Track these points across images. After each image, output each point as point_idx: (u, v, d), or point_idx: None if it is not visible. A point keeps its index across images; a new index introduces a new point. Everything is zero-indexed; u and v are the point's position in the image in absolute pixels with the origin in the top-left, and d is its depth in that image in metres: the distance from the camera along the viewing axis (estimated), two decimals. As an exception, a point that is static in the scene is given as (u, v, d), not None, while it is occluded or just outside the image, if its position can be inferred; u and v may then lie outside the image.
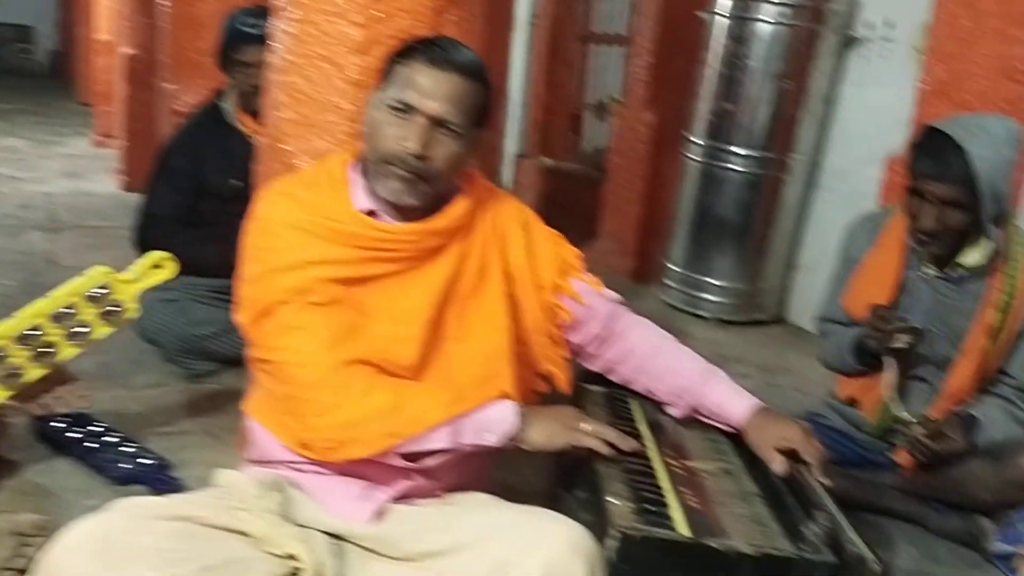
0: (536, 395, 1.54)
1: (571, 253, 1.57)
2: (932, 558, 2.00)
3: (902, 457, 2.08)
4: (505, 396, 1.37)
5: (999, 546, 1.63)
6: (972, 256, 1.98)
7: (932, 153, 1.88)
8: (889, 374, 2.03)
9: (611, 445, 1.35)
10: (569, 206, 4.96)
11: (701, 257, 3.75)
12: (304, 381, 1.30)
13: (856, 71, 3.48)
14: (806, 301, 3.56)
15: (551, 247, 1.55)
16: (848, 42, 3.47)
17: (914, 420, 1.99)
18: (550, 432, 1.34)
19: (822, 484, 1.35)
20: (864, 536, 2.03)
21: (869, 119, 3.40)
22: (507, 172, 5.73)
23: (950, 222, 1.91)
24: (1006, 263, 1.97)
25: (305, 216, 1.35)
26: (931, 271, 2.05)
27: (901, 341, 1.95)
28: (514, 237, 1.50)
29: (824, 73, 3.48)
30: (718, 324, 3.69)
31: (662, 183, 4.08)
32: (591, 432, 1.35)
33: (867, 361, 2.08)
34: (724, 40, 3.55)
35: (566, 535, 1.17)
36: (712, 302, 3.74)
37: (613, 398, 1.65)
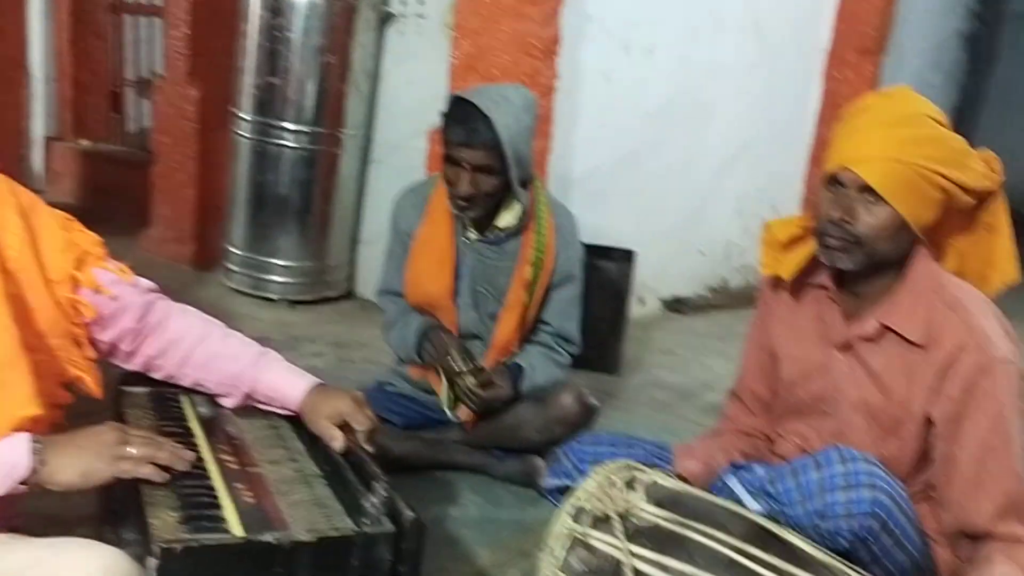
0: (61, 410, 1.33)
1: (88, 239, 1.37)
2: (496, 503, 2.14)
3: (463, 412, 2.19)
4: (19, 424, 1.15)
5: (550, 481, 1.79)
6: (506, 218, 2.14)
7: (462, 122, 1.99)
8: (445, 381, 2.15)
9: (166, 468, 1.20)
10: (116, 192, 4.51)
11: (263, 238, 3.62)
12: None
13: (396, 47, 3.58)
14: (373, 274, 3.61)
15: (61, 234, 1.33)
16: (385, 18, 3.55)
17: (467, 371, 2.10)
18: (85, 466, 1.13)
19: (365, 451, 1.35)
20: (434, 493, 2.12)
21: (411, 93, 3.52)
22: (37, 157, 5.04)
23: (484, 187, 2.03)
24: (535, 222, 2.15)
25: None
26: (474, 235, 2.17)
27: (456, 365, 2.08)
28: (10, 227, 1.27)
29: (365, 48, 3.53)
30: (287, 305, 3.61)
31: (215, 163, 3.87)
32: (139, 457, 1.18)
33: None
34: (260, 11, 3.43)
35: (98, 564, 1.02)
36: (279, 283, 3.64)
37: (159, 398, 1.49)
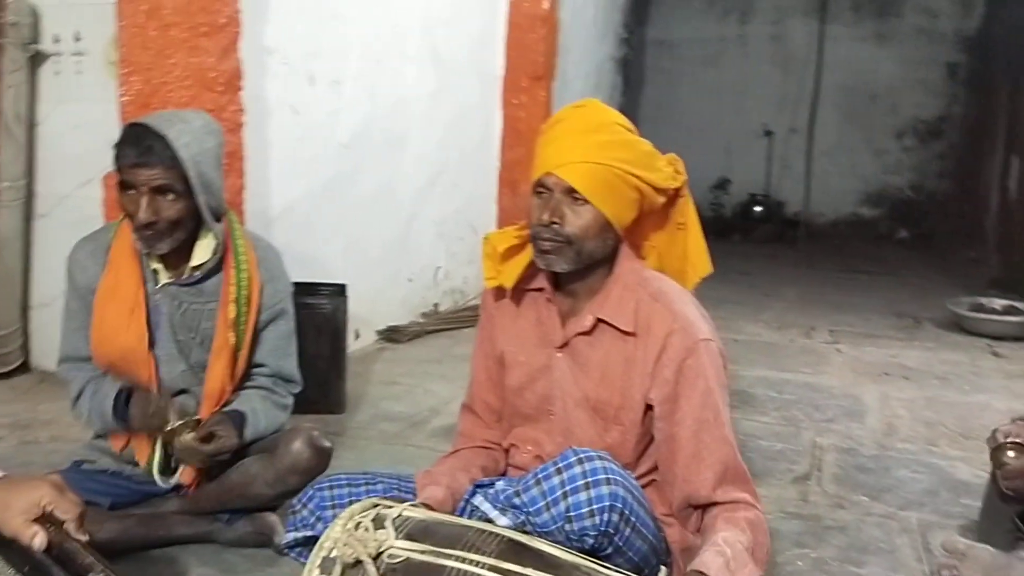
0: None
1: None
2: (230, 571, 1.96)
3: (186, 474, 1.99)
4: None
5: (288, 536, 1.67)
6: (200, 254, 1.98)
7: (134, 143, 1.84)
8: (158, 444, 1.96)
9: None
10: None
11: (-95, 316, 3.08)
12: None
13: (54, 89, 3.22)
14: (52, 341, 3.20)
15: None
16: (37, 58, 3.19)
17: (182, 426, 1.91)
18: None
19: (78, 541, 1.17)
20: (155, 572, 1.90)
21: (78, 138, 3.18)
22: None
23: (166, 212, 1.86)
24: (233, 256, 2.01)
25: None
26: (168, 279, 1.98)
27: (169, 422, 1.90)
28: None
29: (16, 91, 3.14)
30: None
31: None
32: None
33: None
34: None
35: None
36: (-67, 367, 3.11)
37: None
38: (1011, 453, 1.83)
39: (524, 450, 1.78)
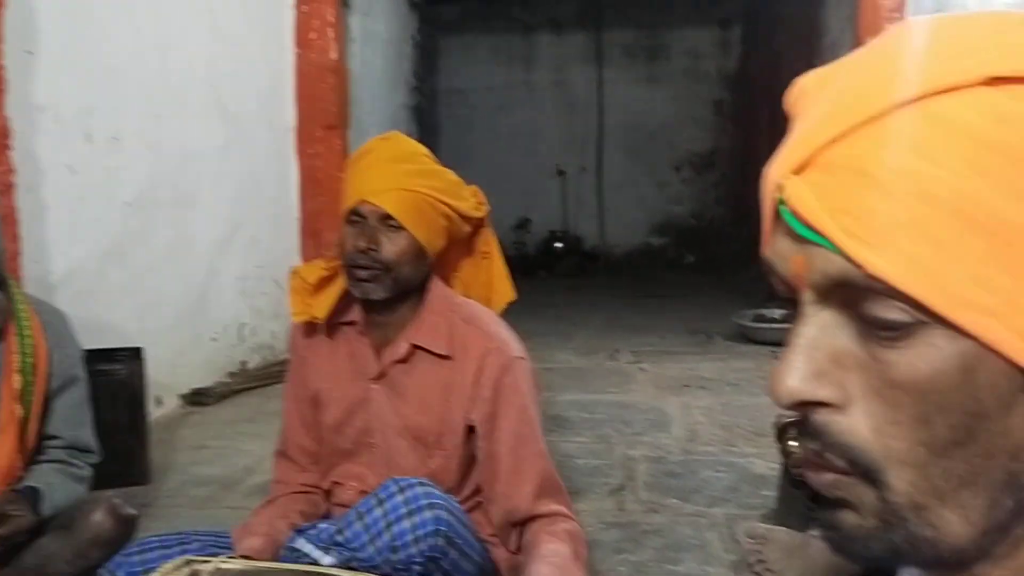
0: None
1: None
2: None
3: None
4: None
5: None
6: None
7: None
8: None
9: None
10: None
11: None
12: None
13: None
14: None
15: None
16: None
17: None
18: None
19: None
20: None
21: None
22: None
23: None
24: (15, 323, 1.87)
25: None
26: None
27: None
28: None
29: None
30: None
31: None
32: None
33: None
34: None
35: None
36: None
37: None
38: (793, 442, 2.01)
39: (348, 487, 1.76)
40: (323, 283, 1.75)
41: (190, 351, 3.91)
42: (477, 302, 1.82)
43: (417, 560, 1.46)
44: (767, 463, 2.90)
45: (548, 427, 3.43)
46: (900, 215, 0.43)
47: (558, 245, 8.97)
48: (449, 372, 1.69)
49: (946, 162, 0.42)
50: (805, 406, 0.47)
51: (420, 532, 1.45)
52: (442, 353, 1.68)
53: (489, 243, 1.90)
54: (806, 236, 0.46)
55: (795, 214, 0.46)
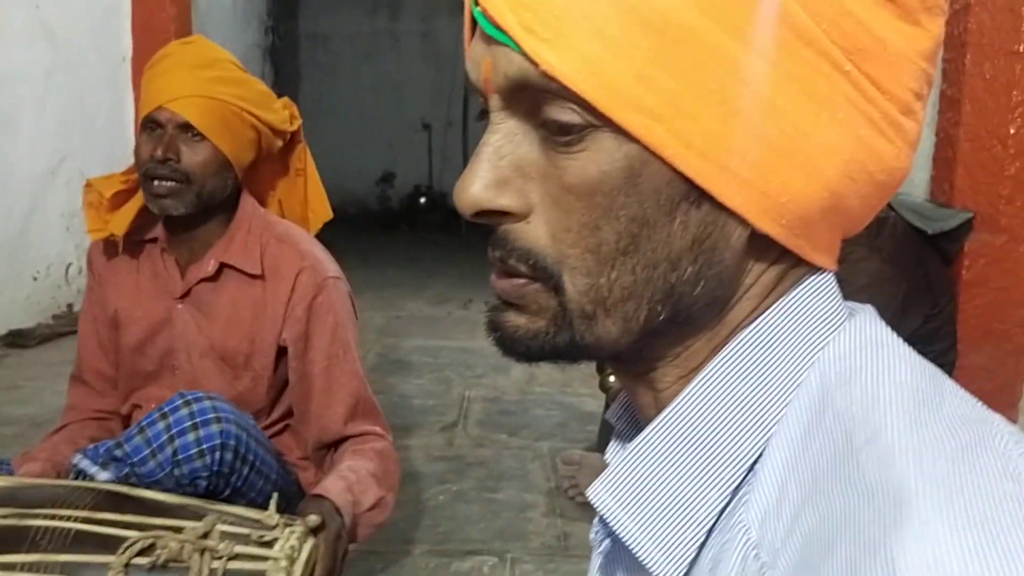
0: None
1: None
2: None
3: None
4: None
5: None
6: None
7: None
8: None
9: None
10: None
11: None
12: None
13: None
14: None
15: None
16: None
17: None
18: None
19: None
20: None
21: None
22: None
23: None
24: None
25: None
26: None
27: None
28: None
29: None
30: None
31: None
32: None
33: None
34: None
35: None
36: None
37: None
38: (612, 377, 2.07)
39: (148, 410, 1.69)
40: (121, 197, 1.65)
41: (9, 290, 3.66)
42: (292, 221, 1.77)
43: (203, 474, 1.41)
44: (598, 402, 2.97)
45: (390, 370, 3.41)
46: (577, 11, 0.42)
47: (423, 200, 8.89)
48: (260, 291, 1.63)
49: None
50: (488, 215, 0.47)
51: (206, 445, 1.40)
52: (253, 272, 1.62)
53: (304, 160, 1.84)
54: (492, 35, 0.45)
55: (484, 13, 0.45)
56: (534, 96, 0.44)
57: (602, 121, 0.43)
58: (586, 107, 0.43)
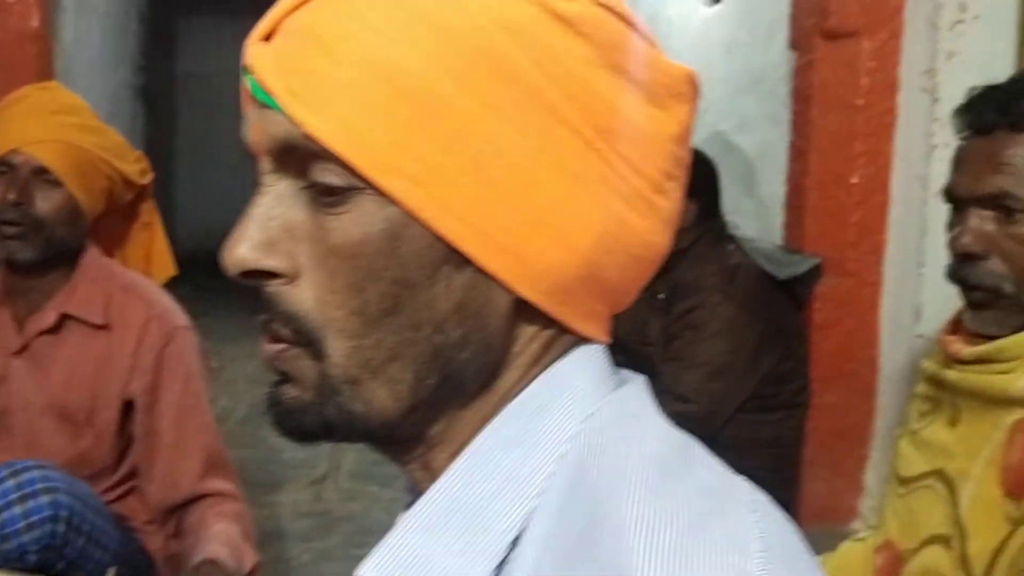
0: None
1: None
2: None
3: None
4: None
5: None
6: None
7: None
8: None
9: None
10: None
11: None
12: None
13: None
14: None
15: None
16: None
17: None
18: None
19: None
20: None
21: None
22: None
23: None
24: None
25: None
26: None
27: None
28: None
29: None
30: None
31: None
32: None
33: None
34: None
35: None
36: None
37: None
38: None
39: None
40: None
41: None
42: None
43: (32, 548, 1.33)
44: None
45: (260, 423, 3.31)
46: (339, 78, 0.44)
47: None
48: (105, 343, 1.57)
49: (386, 31, 0.44)
50: (254, 275, 0.47)
51: (35, 518, 1.33)
52: (97, 322, 1.56)
53: (152, 214, 1.80)
54: (261, 99, 0.46)
55: (255, 79, 0.46)
56: (301, 158, 0.46)
57: (364, 183, 0.44)
58: (348, 169, 0.44)
